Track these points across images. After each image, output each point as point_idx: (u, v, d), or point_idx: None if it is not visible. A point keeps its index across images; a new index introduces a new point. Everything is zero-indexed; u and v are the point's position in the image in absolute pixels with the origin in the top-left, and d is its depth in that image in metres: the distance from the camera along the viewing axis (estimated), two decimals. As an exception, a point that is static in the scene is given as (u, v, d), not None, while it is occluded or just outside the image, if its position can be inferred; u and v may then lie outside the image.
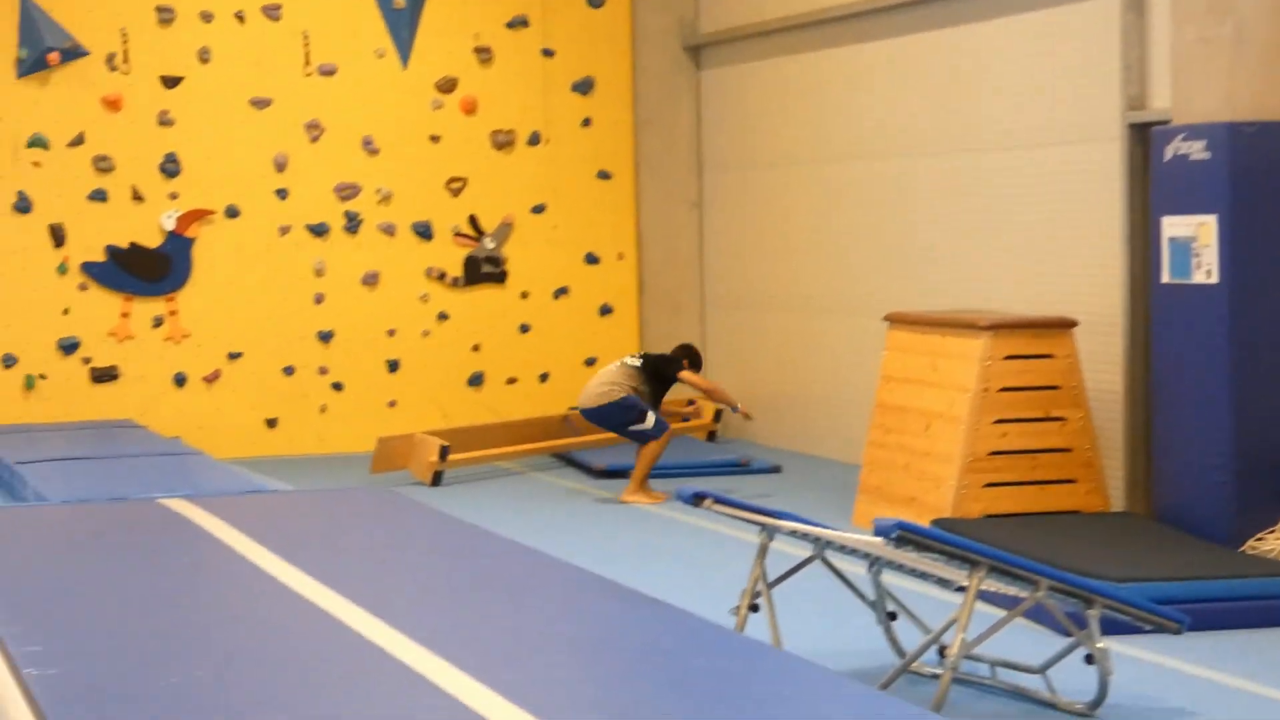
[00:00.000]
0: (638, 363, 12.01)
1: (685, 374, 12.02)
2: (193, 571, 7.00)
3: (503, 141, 14.96)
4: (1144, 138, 10.29)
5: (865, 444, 11.09)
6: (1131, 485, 10.60)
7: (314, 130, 14.53)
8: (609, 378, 11.88)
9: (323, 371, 14.60)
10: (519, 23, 14.97)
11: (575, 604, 6.35)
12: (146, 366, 14.28)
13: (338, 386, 14.64)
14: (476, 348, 14.92)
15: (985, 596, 6.98)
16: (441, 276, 14.84)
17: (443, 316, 14.86)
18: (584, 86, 15.17)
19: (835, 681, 5.13)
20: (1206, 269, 9.27)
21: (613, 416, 11.79)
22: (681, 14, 15.33)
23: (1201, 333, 9.32)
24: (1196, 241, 9.32)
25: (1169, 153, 9.50)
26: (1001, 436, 10.05)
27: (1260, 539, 9.11)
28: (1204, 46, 9.35)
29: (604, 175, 15.26)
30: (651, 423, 11.70)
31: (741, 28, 14.65)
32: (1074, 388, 10.14)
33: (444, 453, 12.57)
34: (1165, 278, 9.57)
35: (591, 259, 15.24)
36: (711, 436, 14.53)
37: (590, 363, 15.10)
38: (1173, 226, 9.49)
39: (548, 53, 15.06)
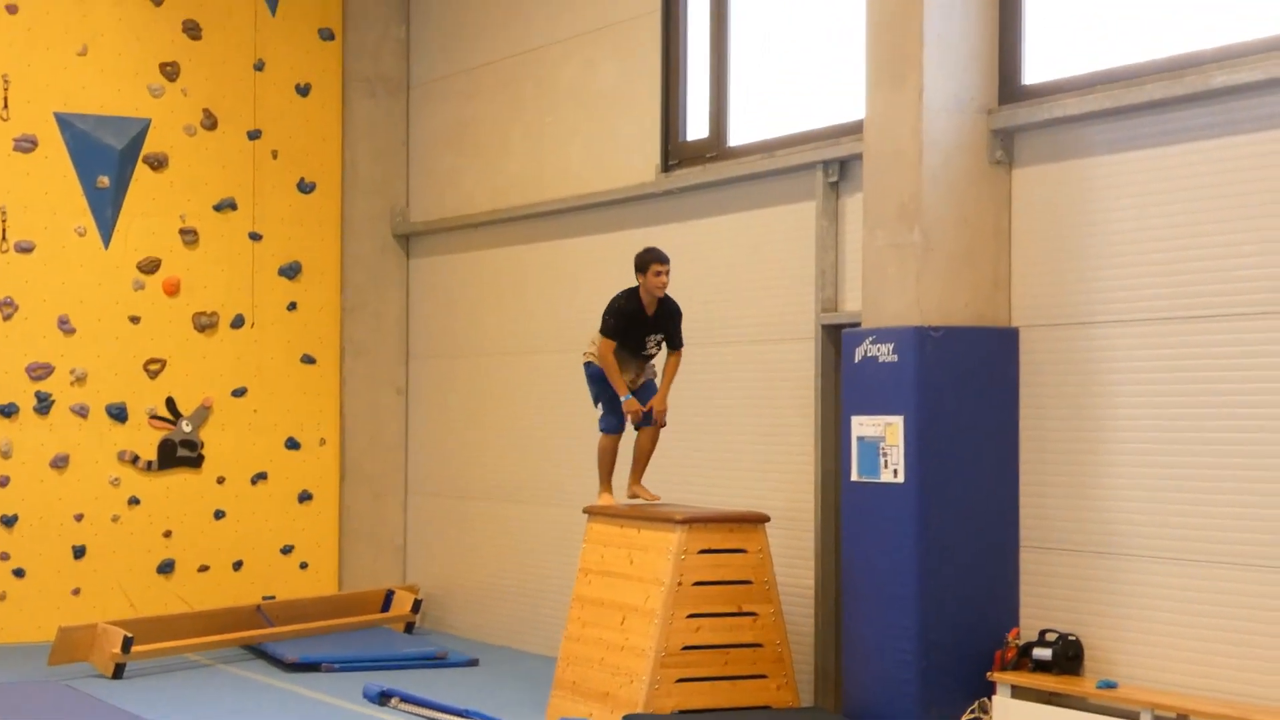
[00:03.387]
0: None
1: (598, 342, 10.77)
2: None
3: (205, 324, 14.73)
4: (836, 339, 10.52)
5: (562, 637, 11.01)
6: (822, 680, 10.70)
7: (7, 308, 14.13)
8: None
9: (4, 557, 14.05)
10: (227, 205, 14.83)
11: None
12: None
13: (19, 573, 14.08)
14: (168, 534, 14.52)
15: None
16: (135, 460, 14.45)
17: (134, 501, 14.43)
18: (291, 270, 15.05)
19: None
20: (894, 468, 9.47)
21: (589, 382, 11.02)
22: (392, 202, 15.35)
23: (888, 531, 9.49)
24: (884, 441, 9.53)
25: (859, 354, 9.73)
26: (695, 631, 10.06)
27: (943, 736, 9.25)
28: (893, 252, 9.63)
29: (308, 359, 15.10)
30: (599, 414, 11.04)
31: (450, 219, 14.72)
32: (766, 583, 10.23)
33: (127, 644, 12.15)
34: (854, 476, 9.74)
35: (292, 444, 15.01)
36: (409, 628, 14.30)
37: (287, 550, 14.83)
38: (861, 426, 9.69)
39: (255, 236, 14.92)
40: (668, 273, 10.69)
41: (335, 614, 14.01)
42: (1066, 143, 9.40)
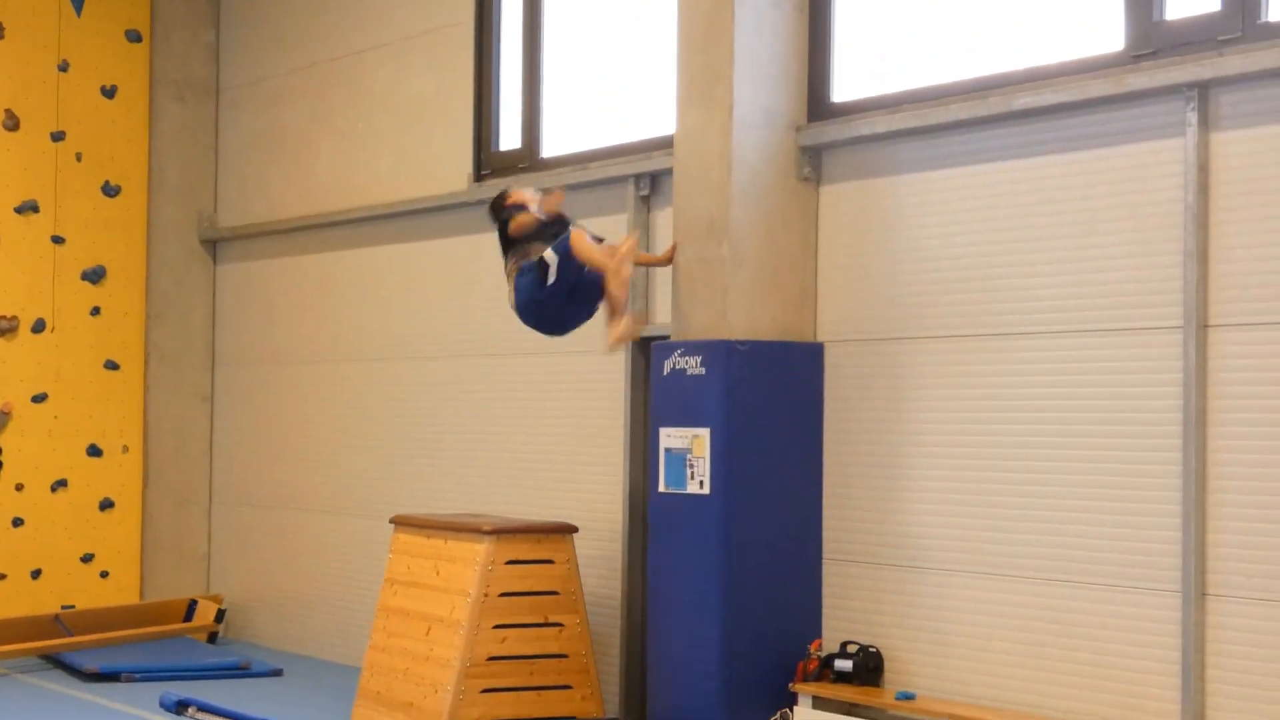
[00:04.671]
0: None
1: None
2: None
3: (4, 328, 14.42)
4: (647, 351, 10.58)
5: (367, 648, 10.95)
6: (628, 691, 10.75)
7: None
8: None
9: None
10: (28, 208, 14.53)
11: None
12: None
13: None
14: (-36, 542, 14.23)
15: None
16: (-70, 466, 14.14)
17: (-71, 508, 14.12)
18: (95, 275, 14.79)
19: None
20: (700, 480, 9.54)
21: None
22: (200, 207, 15.15)
23: (694, 542, 9.56)
24: (691, 453, 9.60)
25: (668, 366, 9.79)
26: (501, 642, 10.07)
27: (746, 746, 9.34)
28: (702, 267, 9.71)
29: (112, 365, 14.85)
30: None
31: (259, 224, 14.57)
32: (572, 594, 10.26)
33: (-80, 653, 11.89)
34: (662, 487, 9.80)
35: (94, 451, 14.74)
36: (213, 638, 14.12)
37: (87, 559, 14.55)
38: (669, 438, 9.75)
39: (58, 239, 14.64)
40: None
41: (137, 623, 13.80)
42: (874, 160, 9.56)
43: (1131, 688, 8.23)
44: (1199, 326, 8.00)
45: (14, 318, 14.46)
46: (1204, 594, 7.97)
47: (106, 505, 14.76)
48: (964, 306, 9.08)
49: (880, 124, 9.43)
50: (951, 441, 9.11)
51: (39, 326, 14.56)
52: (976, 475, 8.97)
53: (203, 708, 7.02)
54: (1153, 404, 8.20)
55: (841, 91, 9.82)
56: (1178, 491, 8.06)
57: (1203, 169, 8.02)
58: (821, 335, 9.77)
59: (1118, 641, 8.31)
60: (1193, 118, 8.03)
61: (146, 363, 15.01)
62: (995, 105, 8.87)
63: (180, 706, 6.99)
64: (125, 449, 14.87)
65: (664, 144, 10.56)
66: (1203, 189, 8.02)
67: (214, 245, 15.19)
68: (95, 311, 14.81)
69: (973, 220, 9.07)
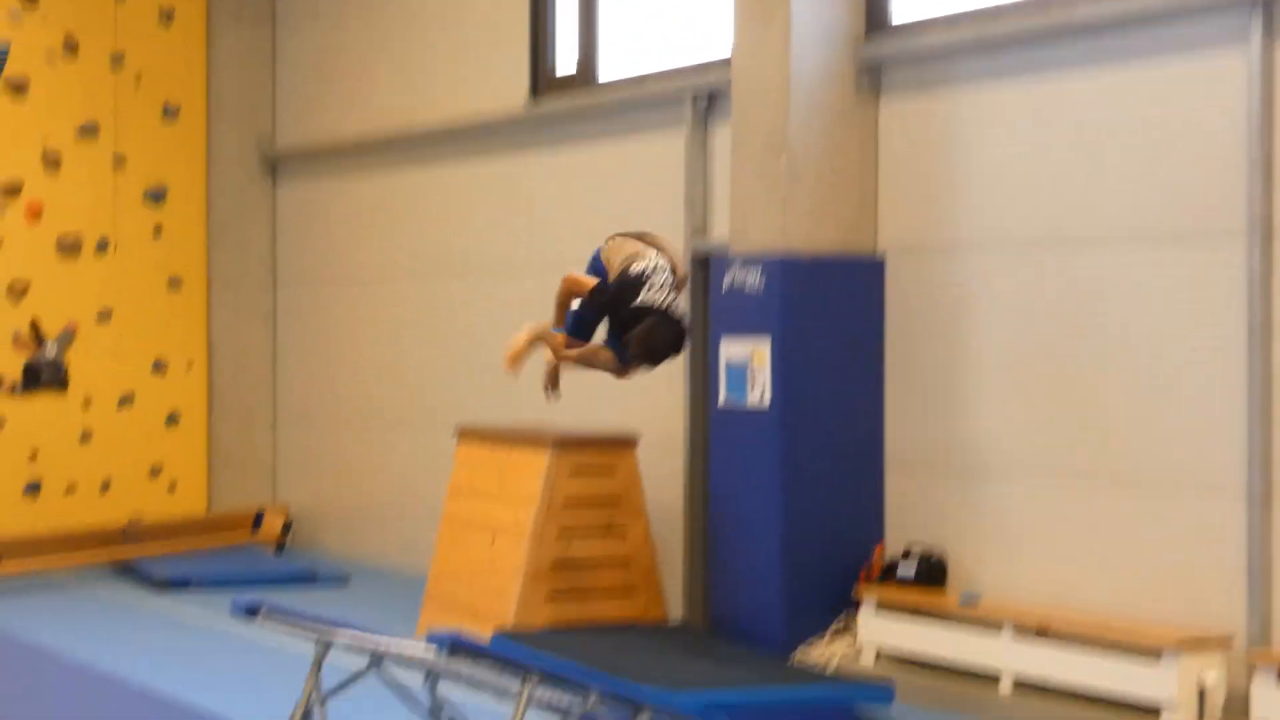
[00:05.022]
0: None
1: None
2: None
3: (69, 246, 14.61)
4: (706, 265, 10.68)
5: (432, 555, 11.14)
6: (690, 597, 10.92)
7: None
8: None
9: None
10: (89, 130, 14.68)
11: None
12: None
13: (-116, 494, 13.99)
14: (34, 456, 14.44)
15: (553, 706, 7.03)
16: (-1, 383, 14.35)
17: (-1, 423, 14.37)
18: (156, 195, 14.96)
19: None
20: (760, 391, 9.67)
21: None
22: (259, 128, 15.28)
23: (754, 452, 9.70)
24: (751, 364, 9.73)
25: (727, 281, 9.91)
26: (565, 548, 10.24)
27: (806, 648, 9.49)
28: (761, 182, 9.81)
29: (175, 284, 15.04)
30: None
31: (318, 145, 14.69)
32: (635, 502, 10.41)
33: (-5, 562, 12.16)
34: (722, 399, 9.94)
35: (159, 367, 14.96)
36: (280, 549, 14.36)
37: (156, 472, 14.79)
38: (729, 351, 9.88)
39: (119, 161, 14.80)
40: None
41: (204, 534, 14.04)
42: (933, 74, 9.62)
43: (1196, 591, 8.34)
44: (1263, 236, 8.07)
45: (78, 237, 14.58)
46: (1270, 498, 8.07)
47: (172, 420, 14.99)
48: (1024, 218, 9.16)
49: (939, 37, 9.49)
50: (1011, 349, 9.21)
51: (102, 246, 14.75)
52: (1039, 381, 9.07)
53: (274, 610, 7.14)
54: (1217, 311, 8.28)
55: (900, 8, 9.87)
56: (1243, 397, 8.15)
57: (1267, 78, 8.08)
58: (882, 248, 9.86)
59: (1182, 545, 8.42)
60: (1257, 26, 8.08)
61: (209, 282, 15.20)
62: (1056, 17, 8.92)
63: (251, 611, 7.11)
64: (190, 365, 15.08)
65: (722, 60, 10.62)
66: (1267, 99, 8.08)
67: (273, 166, 15.33)
68: (157, 231, 14.99)
69: (1032, 132, 9.14)
